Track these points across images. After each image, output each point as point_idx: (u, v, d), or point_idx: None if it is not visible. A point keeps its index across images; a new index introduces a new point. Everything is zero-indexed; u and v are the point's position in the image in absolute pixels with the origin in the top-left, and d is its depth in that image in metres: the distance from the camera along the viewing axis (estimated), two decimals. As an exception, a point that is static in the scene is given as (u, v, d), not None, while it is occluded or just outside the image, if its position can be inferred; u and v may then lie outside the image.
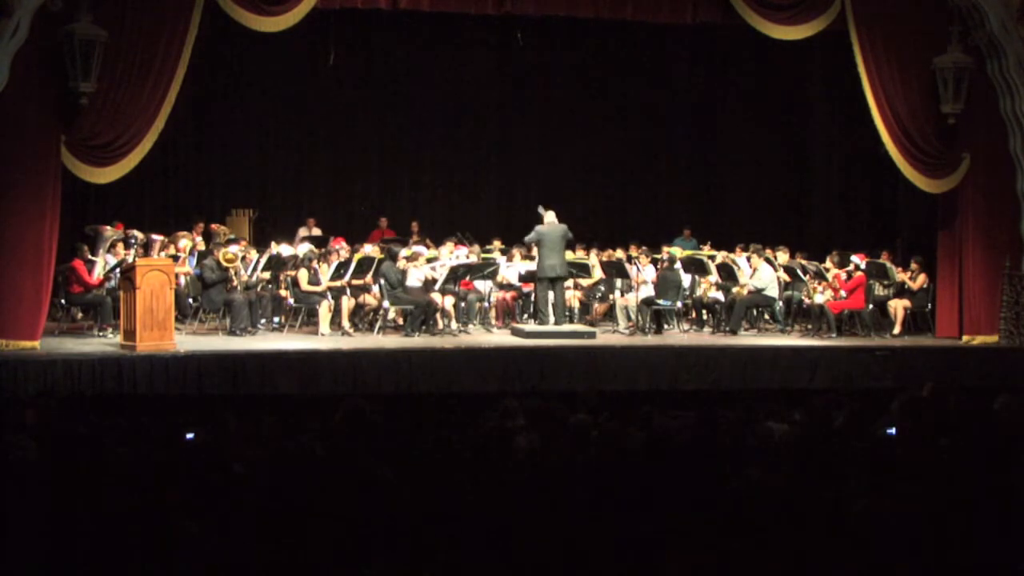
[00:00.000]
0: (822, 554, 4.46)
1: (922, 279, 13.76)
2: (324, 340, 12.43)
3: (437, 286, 13.23)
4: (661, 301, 13.50)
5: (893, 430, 6.71)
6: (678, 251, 14.82)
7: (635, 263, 14.04)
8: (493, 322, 13.85)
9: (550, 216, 13.19)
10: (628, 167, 18.30)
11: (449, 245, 14.38)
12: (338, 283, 13.13)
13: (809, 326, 13.66)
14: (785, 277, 13.97)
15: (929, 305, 13.80)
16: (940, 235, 13.72)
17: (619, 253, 15.05)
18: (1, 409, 7.68)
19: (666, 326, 13.82)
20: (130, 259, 12.16)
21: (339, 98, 17.00)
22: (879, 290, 13.98)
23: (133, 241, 12.94)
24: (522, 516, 4.69)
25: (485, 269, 13.76)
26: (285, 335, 12.83)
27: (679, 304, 13.80)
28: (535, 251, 13.45)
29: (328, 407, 7.81)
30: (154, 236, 13.25)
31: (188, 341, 11.87)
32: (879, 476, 5.36)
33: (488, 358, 11.89)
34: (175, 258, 12.86)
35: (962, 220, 13.45)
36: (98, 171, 11.68)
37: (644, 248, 14.67)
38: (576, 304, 14.42)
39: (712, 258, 14.51)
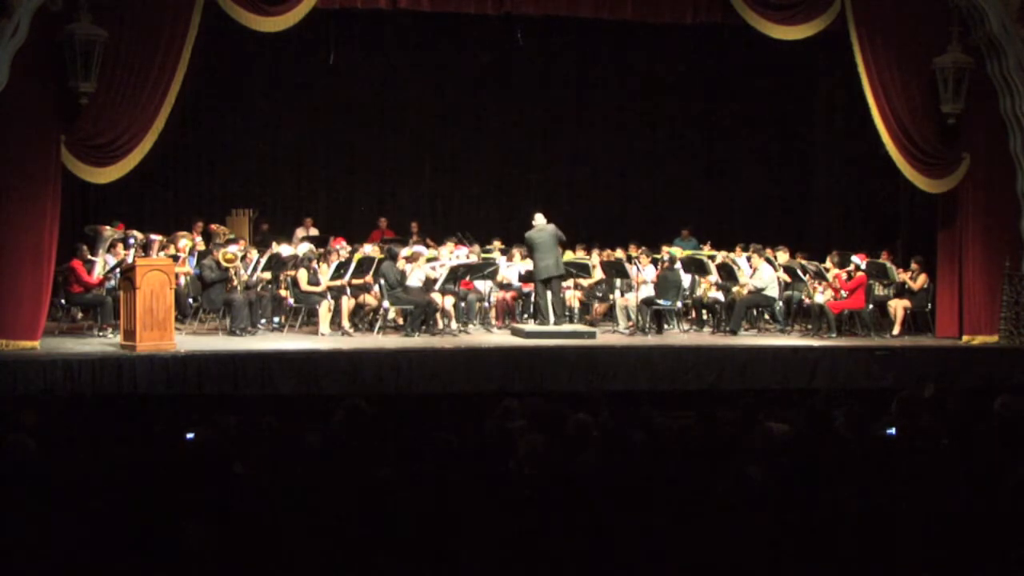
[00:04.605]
0: (821, 553, 4.46)
1: (922, 279, 13.76)
2: (324, 340, 12.42)
3: (437, 286, 13.23)
4: (661, 301, 13.50)
5: (893, 430, 6.72)
6: (678, 251, 14.82)
7: (635, 263, 14.04)
8: (493, 322, 13.84)
9: (539, 219, 13.30)
10: (628, 167, 18.30)
11: (449, 245, 14.39)
12: (338, 283, 13.13)
13: (809, 326, 13.66)
14: (785, 277, 13.96)
15: (929, 305, 13.80)
16: (940, 235, 13.72)
17: (619, 253, 15.04)
18: (1, 409, 7.67)
19: (666, 326, 13.81)
20: (129, 259, 12.15)
21: (339, 98, 16.99)
22: (879, 290, 13.98)
23: (132, 241, 12.94)
24: (522, 516, 4.68)
25: (485, 269, 13.76)
26: (285, 335, 12.83)
27: (679, 304, 13.80)
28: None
29: (328, 407, 7.82)
30: (153, 236, 13.24)
31: (188, 341, 11.87)
32: (879, 476, 5.36)
33: (488, 358, 11.88)
34: (175, 258, 12.85)
35: (962, 220, 13.44)
36: (98, 171, 11.68)
37: (644, 248, 14.66)
38: (576, 304, 14.43)
39: (712, 258, 14.50)
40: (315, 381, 11.15)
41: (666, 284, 13.61)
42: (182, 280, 13.03)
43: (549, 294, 13.19)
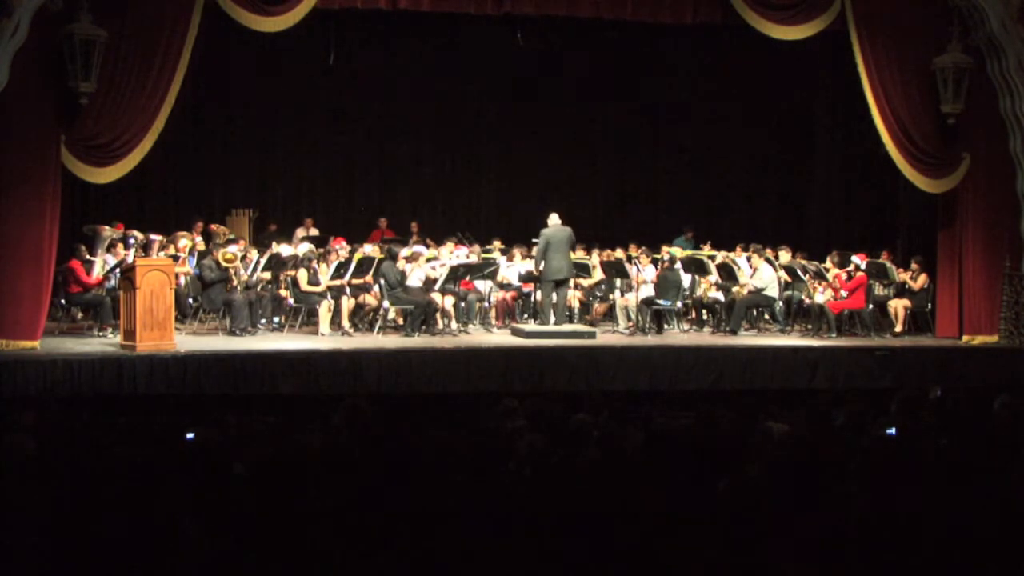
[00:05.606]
0: (821, 553, 4.46)
1: (923, 279, 13.76)
2: (324, 340, 12.42)
3: (437, 286, 13.23)
4: (661, 301, 13.50)
5: (893, 430, 6.72)
6: (678, 251, 14.82)
7: (635, 263, 14.04)
8: (493, 322, 13.84)
9: (554, 219, 13.25)
10: (628, 167, 18.31)
11: (449, 245, 14.39)
12: (338, 283, 13.14)
13: (809, 326, 13.66)
14: (785, 277, 13.97)
15: (929, 305, 13.80)
16: (940, 235, 13.72)
17: (619, 253, 15.04)
18: (1, 409, 7.68)
19: (666, 326, 13.81)
20: (129, 259, 12.16)
21: (339, 98, 17.00)
22: (879, 290, 13.98)
23: (132, 241, 12.94)
24: (522, 516, 4.68)
25: (485, 269, 13.75)
26: (285, 335, 12.83)
27: (679, 304, 13.80)
28: (535, 251, 13.48)
29: (328, 407, 7.82)
30: (153, 236, 13.25)
31: (188, 341, 11.87)
32: (879, 476, 5.36)
33: (488, 358, 11.88)
34: (175, 258, 12.85)
35: (962, 220, 13.45)
36: (98, 171, 11.68)
37: (644, 248, 14.66)
38: (576, 304, 14.42)
39: (712, 258, 14.51)
40: (315, 381, 11.15)
41: (666, 284, 13.61)
42: (182, 280, 13.03)
43: (555, 296, 13.14)
